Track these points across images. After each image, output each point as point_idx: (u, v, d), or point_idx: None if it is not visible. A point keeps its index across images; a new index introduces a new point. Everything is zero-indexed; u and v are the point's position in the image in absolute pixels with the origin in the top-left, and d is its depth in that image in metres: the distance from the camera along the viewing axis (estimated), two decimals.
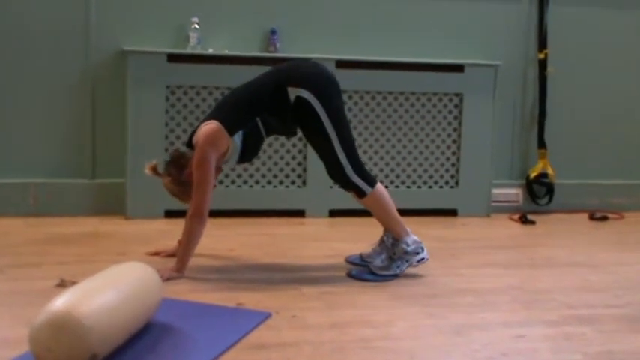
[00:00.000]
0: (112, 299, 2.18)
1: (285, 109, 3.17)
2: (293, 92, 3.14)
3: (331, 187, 4.29)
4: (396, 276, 3.25)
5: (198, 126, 3.23)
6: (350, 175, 3.21)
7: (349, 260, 3.44)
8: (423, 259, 3.30)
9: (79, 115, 4.30)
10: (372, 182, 3.25)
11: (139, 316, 2.33)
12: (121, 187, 4.26)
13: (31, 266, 3.24)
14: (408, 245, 3.26)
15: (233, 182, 4.41)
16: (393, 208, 3.30)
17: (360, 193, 3.25)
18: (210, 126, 3.14)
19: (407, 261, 3.27)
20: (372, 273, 3.25)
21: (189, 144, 3.23)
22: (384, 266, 3.26)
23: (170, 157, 3.35)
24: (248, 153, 3.34)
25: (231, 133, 3.16)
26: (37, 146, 4.27)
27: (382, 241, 3.34)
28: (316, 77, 3.21)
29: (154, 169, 3.31)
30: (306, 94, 3.13)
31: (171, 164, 3.28)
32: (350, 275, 3.26)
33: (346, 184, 3.25)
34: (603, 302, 3.03)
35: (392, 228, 3.30)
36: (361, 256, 3.42)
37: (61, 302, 2.05)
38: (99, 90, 4.31)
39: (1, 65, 4.18)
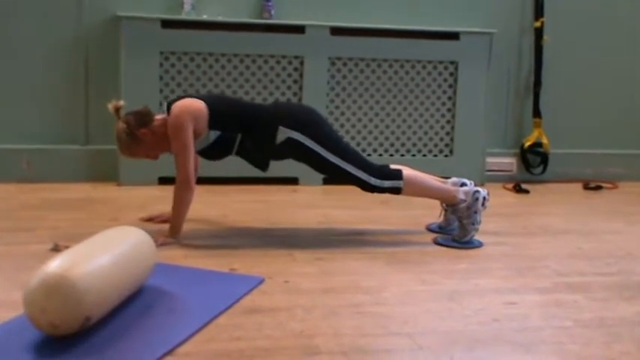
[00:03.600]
0: (105, 262, 2.18)
1: (270, 145, 3.23)
2: (284, 133, 3.21)
3: None
4: (479, 243, 3.31)
5: (181, 97, 3.23)
6: (376, 184, 3.28)
7: (430, 228, 3.53)
8: (485, 198, 3.32)
9: (72, 81, 4.28)
10: (398, 176, 3.29)
11: (133, 279, 2.34)
12: (114, 153, 4.22)
13: (25, 231, 3.24)
14: (464, 201, 3.30)
15: None
16: (430, 182, 3.36)
17: (396, 191, 3.31)
18: (196, 102, 3.16)
19: (475, 212, 3.30)
20: (456, 241, 3.31)
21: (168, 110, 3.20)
22: (462, 234, 3.31)
23: (138, 108, 3.24)
24: (213, 150, 3.30)
25: (212, 125, 3.18)
26: (30, 112, 4.24)
27: (444, 211, 3.45)
28: (306, 119, 3.28)
29: (117, 110, 3.19)
30: (296, 135, 3.21)
31: (133, 114, 3.19)
32: (436, 242, 3.33)
33: (380, 192, 3.31)
34: (595, 270, 3.04)
35: (442, 198, 3.38)
36: (439, 226, 3.50)
37: (55, 265, 2.05)
38: (92, 56, 4.28)
39: None
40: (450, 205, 3.37)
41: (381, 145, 4.64)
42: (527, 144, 4.89)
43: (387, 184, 3.28)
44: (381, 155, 4.62)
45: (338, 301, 2.54)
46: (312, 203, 4.06)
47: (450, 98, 4.70)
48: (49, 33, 4.21)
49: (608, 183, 4.94)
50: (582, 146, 5.08)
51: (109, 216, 3.55)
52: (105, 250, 2.25)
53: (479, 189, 3.33)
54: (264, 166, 3.40)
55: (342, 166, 3.25)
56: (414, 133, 4.68)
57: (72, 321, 2.03)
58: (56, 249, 2.92)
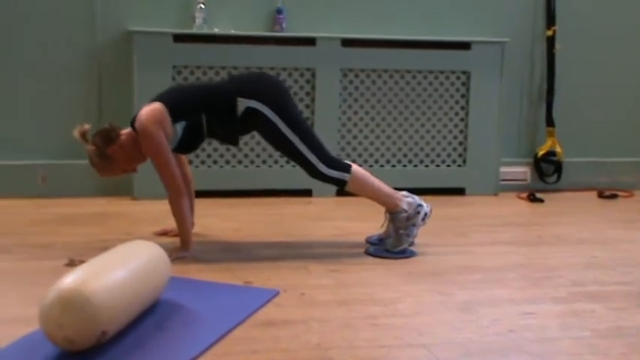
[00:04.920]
0: (120, 277, 2.18)
1: (231, 119, 3.19)
2: (242, 103, 3.17)
3: None
4: (410, 245, 3.27)
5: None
6: (324, 171, 3.24)
7: (369, 241, 3.46)
8: (426, 214, 3.30)
9: (86, 96, 4.30)
10: (346, 169, 3.26)
11: (148, 294, 2.34)
12: None
13: (40, 246, 3.25)
14: (406, 212, 3.27)
15: (240, 162, 4.41)
16: (377, 183, 3.30)
17: (341, 184, 3.27)
18: (154, 106, 3.11)
19: (414, 225, 3.27)
20: (388, 251, 3.27)
21: (132, 125, 3.17)
22: (396, 243, 3.27)
23: (102, 127, 3.21)
24: (186, 143, 3.28)
25: (175, 118, 3.14)
26: (45, 128, 4.27)
27: (386, 220, 3.37)
28: (266, 87, 3.24)
29: (83, 135, 3.16)
30: (255, 104, 3.17)
31: (98, 135, 3.16)
32: (368, 253, 3.28)
33: (325, 180, 3.27)
34: (611, 279, 3.02)
35: (384, 203, 3.31)
36: (379, 237, 3.44)
37: (70, 280, 2.06)
38: (105, 71, 4.31)
39: (8, 47, 4.17)
40: (391, 212, 3.31)
41: (394, 155, 4.63)
42: (541, 153, 4.88)
43: (334, 173, 3.24)
44: (394, 166, 4.61)
45: (353, 313, 2.53)
46: (325, 215, 4.06)
47: (462, 108, 4.69)
48: (62, 48, 4.24)
49: (624, 191, 4.91)
50: (596, 154, 5.06)
51: (124, 230, 3.56)
52: (120, 264, 2.26)
53: (423, 204, 3.30)
54: (234, 142, 3.34)
55: (297, 145, 3.20)
56: (427, 143, 4.68)
57: (88, 336, 2.03)
58: (71, 264, 2.93)
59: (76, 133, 3.16)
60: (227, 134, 3.30)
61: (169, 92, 3.24)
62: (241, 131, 3.32)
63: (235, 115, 3.19)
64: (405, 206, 3.28)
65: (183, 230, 3.16)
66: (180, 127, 3.20)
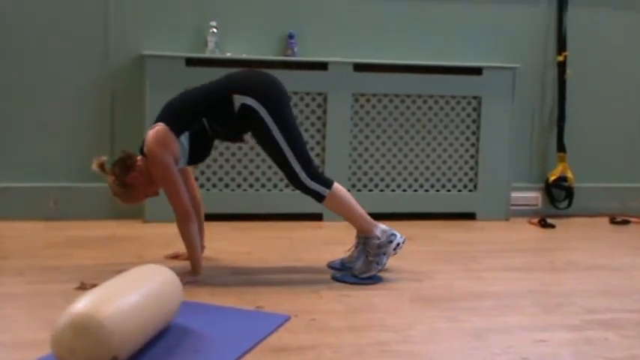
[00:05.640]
0: (132, 301, 2.18)
1: (230, 116, 3.18)
2: (238, 100, 3.16)
3: (349, 190, 4.28)
4: (378, 272, 3.24)
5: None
6: (304, 180, 3.22)
7: (331, 266, 3.43)
8: (398, 244, 3.28)
9: (99, 119, 4.32)
10: (328, 184, 3.24)
11: (160, 318, 2.33)
12: None
13: (52, 269, 3.25)
14: (378, 239, 3.25)
15: (251, 186, 4.41)
16: (354, 205, 3.28)
17: (318, 197, 3.25)
18: (157, 128, 3.13)
19: (384, 254, 3.25)
20: (355, 276, 3.24)
21: (142, 150, 3.20)
22: (364, 269, 3.25)
23: (118, 157, 3.25)
24: (197, 153, 3.30)
25: (177, 133, 3.15)
26: (57, 150, 4.29)
27: (357, 244, 3.35)
28: (262, 86, 3.22)
29: (102, 166, 3.21)
30: (250, 101, 3.15)
31: (116, 164, 3.19)
32: (334, 278, 3.25)
33: (304, 190, 3.25)
34: (625, 307, 3.00)
35: (358, 225, 3.30)
36: (342, 262, 3.41)
37: (82, 304, 2.06)
38: (118, 94, 4.33)
39: (21, 70, 4.20)
40: (364, 236, 3.28)
41: (404, 180, 4.63)
42: (552, 178, 4.87)
43: (313, 185, 3.22)
44: (405, 191, 4.61)
45: (364, 340, 2.52)
46: (336, 239, 4.04)
47: (473, 133, 4.69)
48: (75, 72, 4.26)
49: (636, 217, 4.89)
50: (607, 180, 5.04)
51: (135, 254, 3.56)
52: (132, 289, 2.25)
53: (396, 233, 3.28)
54: (240, 139, 3.34)
55: (284, 150, 3.18)
56: (438, 168, 4.68)
57: None
58: (82, 287, 2.93)
59: (94, 167, 3.20)
60: (230, 133, 3.29)
61: (167, 108, 3.24)
62: (242, 128, 3.28)
63: (233, 112, 3.17)
64: (378, 233, 3.26)
65: (192, 254, 3.16)
66: (184, 138, 3.20)
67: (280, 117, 3.19)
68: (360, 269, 3.25)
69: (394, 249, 3.27)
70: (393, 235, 3.27)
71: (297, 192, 4.39)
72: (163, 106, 3.28)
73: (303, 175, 3.21)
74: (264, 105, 3.16)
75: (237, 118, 3.19)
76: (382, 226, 3.28)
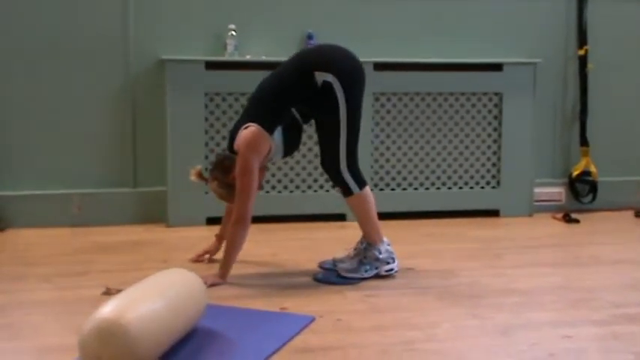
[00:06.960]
0: (157, 306, 2.19)
1: (315, 94, 3.14)
2: (320, 77, 3.12)
3: (371, 190, 4.28)
4: (361, 279, 3.22)
5: (236, 127, 3.23)
6: (342, 170, 3.19)
7: (322, 266, 3.42)
8: (392, 269, 3.27)
9: (121, 125, 4.35)
10: (361, 183, 3.24)
11: (185, 322, 2.35)
12: (163, 195, 4.29)
13: (77, 275, 3.28)
14: (380, 253, 3.25)
15: (274, 187, 4.42)
16: (374, 213, 3.28)
17: (347, 191, 3.23)
18: (250, 129, 3.13)
19: (376, 268, 3.25)
20: (339, 276, 3.23)
21: (231, 147, 3.22)
22: (351, 269, 3.24)
23: (215, 160, 3.33)
24: (291, 146, 3.31)
25: (271, 131, 3.14)
26: (81, 157, 4.32)
27: (357, 246, 3.33)
28: (343, 62, 3.19)
29: (200, 175, 3.32)
30: (331, 78, 3.11)
31: (216, 168, 3.26)
32: (316, 279, 3.24)
33: (336, 178, 3.23)
34: None
35: (369, 232, 3.29)
36: (334, 261, 3.39)
37: (108, 310, 2.07)
38: (139, 99, 4.35)
39: (43, 78, 4.24)
40: (368, 243, 3.27)
41: (427, 178, 4.62)
42: (576, 173, 4.83)
43: (348, 177, 3.19)
44: (427, 189, 4.60)
45: (390, 339, 2.52)
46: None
47: (495, 129, 4.67)
48: (97, 79, 4.29)
49: None
50: (631, 173, 5.00)
51: (159, 258, 3.57)
52: (156, 293, 2.27)
53: (396, 260, 3.27)
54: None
55: (341, 133, 3.14)
56: (461, 165, 4.66)
57: None
58: (108, 293, 2.95)
59: (192, 178, 3.29)
60: (319, 110, 3.21)
61: (256, 105, 3.21)
62: (318, 108, 3.21)
63: (317, 89, 3.12)
64: (382, 248, 3.26)
65: (228, 258, 3.16)
66: (278, 133, 3.19)
67: (352, 98, 3.15)
68: (347, 269, 3.24)
69: (386, 270, 3.26)
70: (392, 259, 3.28)
71: (320, 193, 4.42)
72: (251, 102, 3.28)
73: (343, 164, 3.19)
74: (342, 83, 3.11)
75: (320, 94, 3.13)
76: (388, 247, 3.29)
